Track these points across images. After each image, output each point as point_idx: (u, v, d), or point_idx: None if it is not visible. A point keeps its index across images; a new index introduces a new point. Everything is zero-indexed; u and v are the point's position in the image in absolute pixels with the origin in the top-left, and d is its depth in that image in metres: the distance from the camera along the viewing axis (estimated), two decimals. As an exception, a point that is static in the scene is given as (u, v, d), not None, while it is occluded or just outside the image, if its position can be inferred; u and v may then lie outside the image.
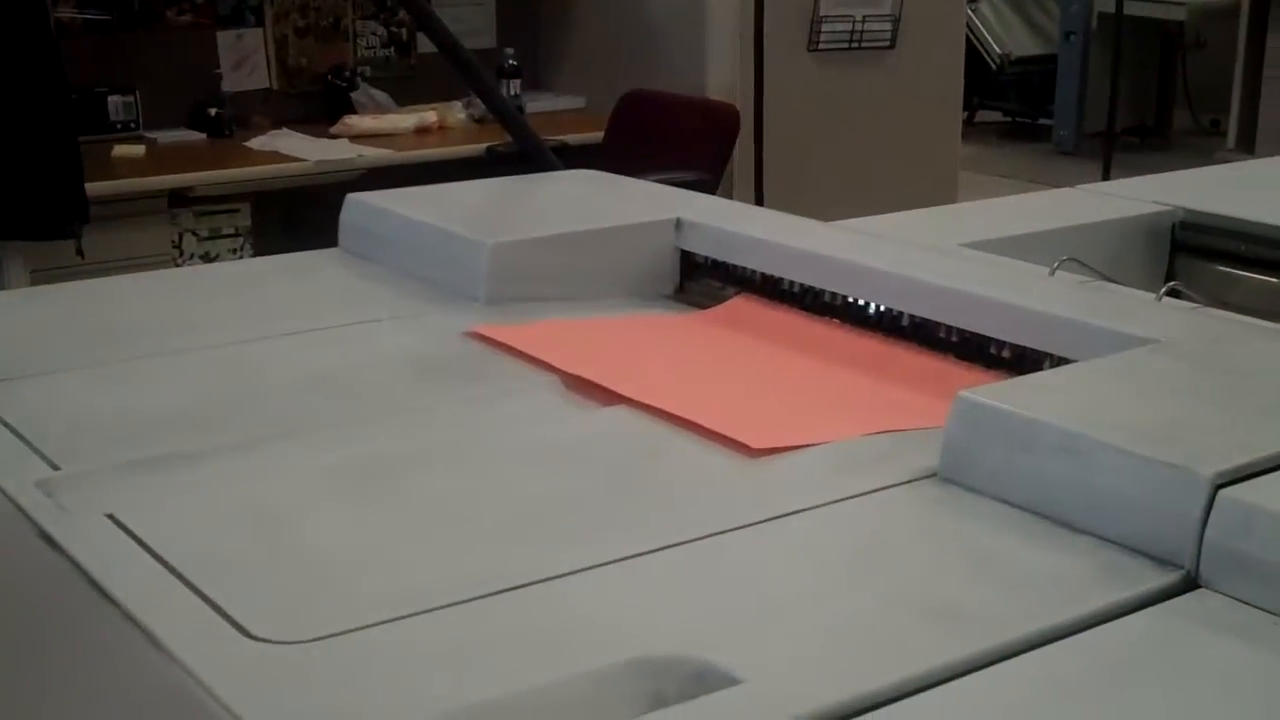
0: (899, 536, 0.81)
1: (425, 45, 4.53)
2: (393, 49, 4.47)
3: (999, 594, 0.75)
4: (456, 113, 4.27)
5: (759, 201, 3.84)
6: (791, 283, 1.20)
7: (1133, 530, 0.78)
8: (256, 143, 4.17)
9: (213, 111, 4.27)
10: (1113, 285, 1.25)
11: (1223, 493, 0.74)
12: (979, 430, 0.85)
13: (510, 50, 4.27)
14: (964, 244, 1.37)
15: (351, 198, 1.39)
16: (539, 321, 1.16)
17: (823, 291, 1.17)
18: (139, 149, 4.11)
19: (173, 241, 3.92)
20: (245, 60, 4.32)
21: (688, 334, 1.17)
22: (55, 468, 0.90)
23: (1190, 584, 0.75)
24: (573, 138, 4.14)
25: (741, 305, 1.23)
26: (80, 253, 3.48)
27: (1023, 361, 1.04)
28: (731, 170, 3.95)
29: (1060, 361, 1.01)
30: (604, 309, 1.22)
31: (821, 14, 3.79)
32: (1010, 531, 0.81)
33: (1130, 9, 5.36)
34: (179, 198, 3.89)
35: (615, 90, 4.15)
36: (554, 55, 4.53)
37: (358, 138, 4.09)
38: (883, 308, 1.13)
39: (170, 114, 4.30)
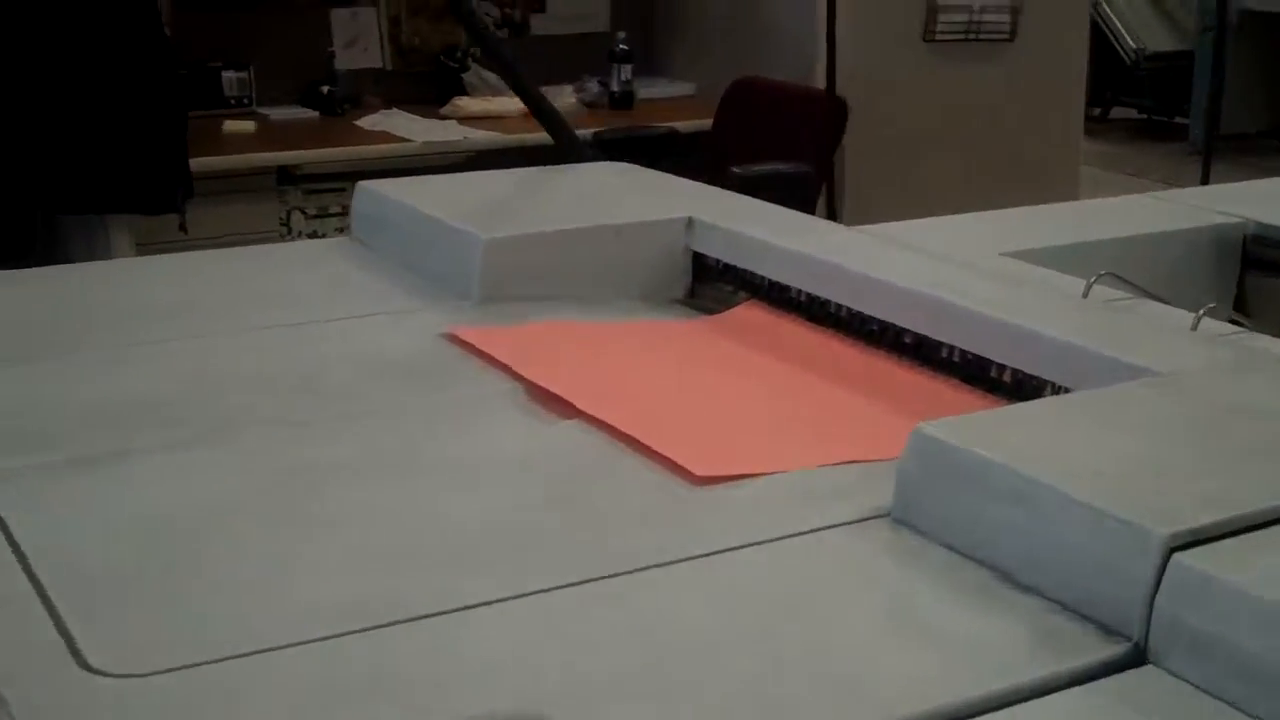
0: (826, 586, 0.74)
1: (540, 28, 4.49)
2: (507, 31, 4.43)
3: (922, 658, 0.67)
4: (566, 97, 4.22)
5: (833, 200, 3.75)
6: (799, 291, 1.12)
7: (1081, 592, 0.70)
8: (366, 122, 4.17)
9: (325, 89, 4.27)
10: (1151, 304, 1.15)
11: (1177, 556, 0.66)
12: (932, 468, 0.77)
13: (622, 34, 4.21)
14: (1007, 253, 1.28)
15: (362, 186, 1.34)
16: (522, 325, 1.10)
17: (828, 302, 1.10)
18: (250, 125, 4.13)
19: (280, 219, 3.93)
20: (359, 39, 4.31)
21: (680, 342, 1.10)
22: (-25, 465, 0.86)
23: (1138, 658, 0.67)
24: (682, 124, 4.07)
25: (747, 313, 1.15)
26: (184, 227, 3.50)
27: (1022, 388, 0.96)
28: (843, 163, 3.86)
29: (1059, 390, 0.93)
30: (606, 312, 1.16)
31: (938, 3, 3.67)
32: (953, 585, 0.73)
33: (1268, 3, 5.15)
34: (287, 175, 3.90)
35: (728, 77, 4.07)
36: (668, 41, 4.46)
37: (466, 119, 4.06)
38: (886, 322, 1.05)
39: (284, 91, 4.31)
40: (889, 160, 3.85)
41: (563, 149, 1.48)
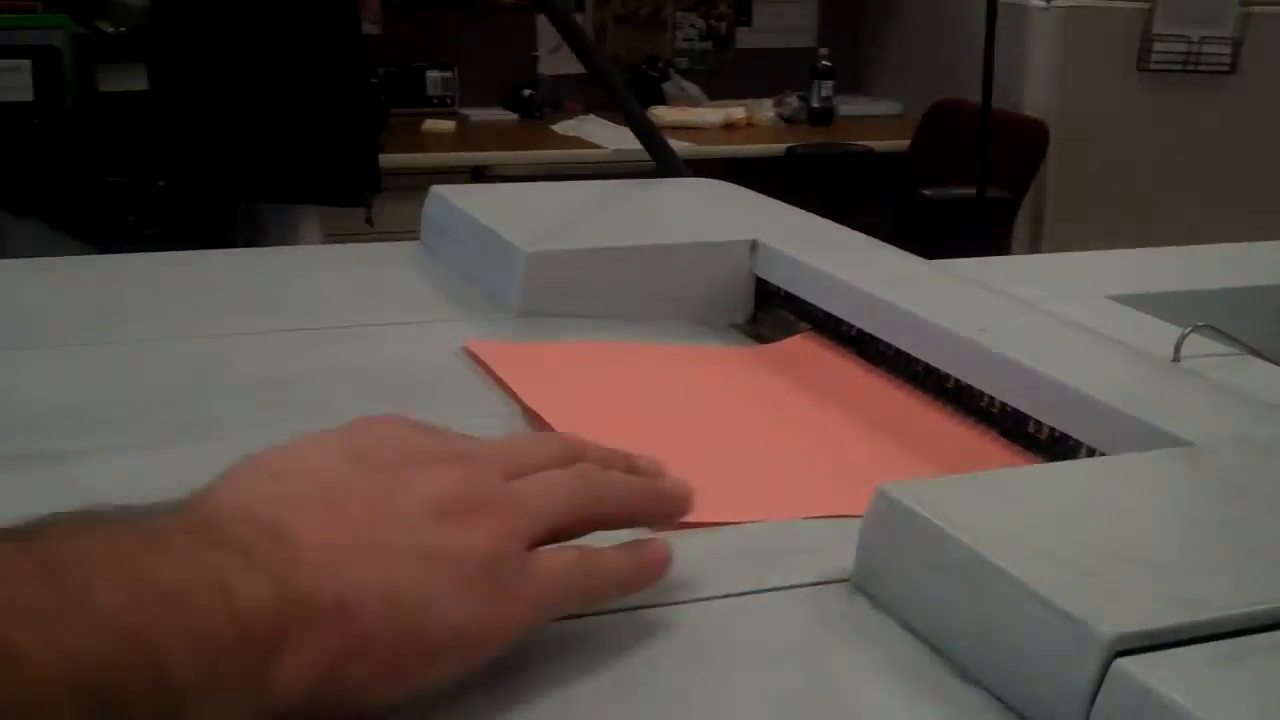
0: (745, 659, 0.65)
1: (744, 41, 4.44)
2: (711, 42, 4.39)
3: (820, 753, 0.59)
4: (765, 110, 4.17)
5: (1038, 225, 3.60)
6: (850, 325, 1.04)
7: (1022, 690, 0.61)
8: (562, 127, 4.18)
9: (527, 93, 4.29)
10: (1252, 363, 1.04)
11: (1120, 662, 0.56)
12: (892, 534, 0.69)
13: (825, 51, 4.14)
14: (1116, 295, 1.18)
15: (435, 190, 1.29)
16: (545, 343, 1.04)
17: (877, 339, 1.01)
18: (449, 125, 4.17)
19: (468, 218, 3.94)
20: (563, 44, 4.31)
21: (714, 370, 1.03)
22: (-78, 454, 0.83)
23: (1070, 773, 0.58)
24: (879, 144, 3.99)
25: (800, 344, 1.07)
26: (370, 220, 3.56)
27: (1057, 447, 0.86)
28: (1044, 189, 3.72)
29: (1093, 453, 0.83)
30: (653, 334, 1.09)
31: (1154, 32, 3.50)
32: (890, 668, 0.65)
33: None
34: (480, 175, 3.93)
35: (931, 98, 3.96)
36: (874, 60, 4.37)
37: (662, 129, 4.02)
38: (929, 364, 0.96)
39: (486, 93, 4.35)
40: (1095, 190, 3.70)
41: (660, 166, 1.42)
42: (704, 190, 1.37)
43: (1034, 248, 3.71)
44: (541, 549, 0.57)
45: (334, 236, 3.50)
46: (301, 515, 0.52)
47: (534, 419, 0.91)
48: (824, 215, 1.26)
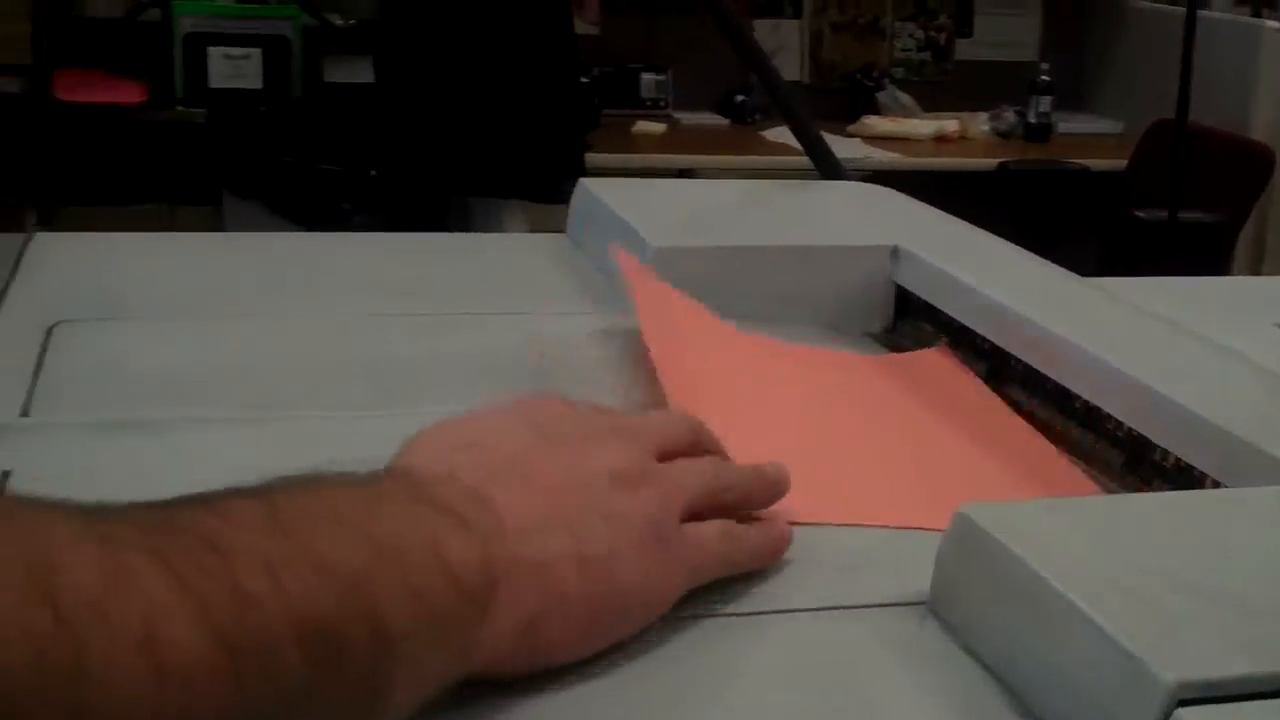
0: (798, 685, 0.61)
1: (964, 52, 4.34)
2: (929, 53, 4.30)
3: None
4: (980, 124, 4.08)
5: (1260, 251, 3.44)
6: (984, 339, 0.99)
7: (1080, 732, 0.56)
8: (771, 133, 4.15)
9: (739, 99, 4.27)
10: None
11: (1181, 712, 0.51)
12: (967, 557, 0.64)
13: (1045, 65, 4.02)
14: (1287, 324, 1.11)
15: (583, 182, 1.28)
16: (688, 300, 0.99)
17: (1009, 355, 0.96)
18: (660, 127, 4.18)
19: (670, 219, 3.94)
20: (779, 50, 4.29)
21: (832, 374, 0.99)
22: (25, 414, 0.84)
23: (1121, 828, 0.53)
24: (1096, 163, 3.87)
25: (932, 357, 1.03)
26: (571, 217, 3.58)
27: (1182, 477, 0.80)
28: (1268, 215, 3.56)
29: (1216, 485, 0.77)
30: (781, 338, 1.05)
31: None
32: (950, 703, 0.60)
33: None
34: (685, 178, 3.93)
35: (1155, 118, 3.82)
36: (1097, 76, 4.23)
37: (872, 139, 3.99)
38: (1057, 383, 0.91)
39: (699, 96, 4.35)
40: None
41: (822, 171, 1.38)
42: (854, 194, 1.33)
43: (1254, 274, 3.55)
44: (691, 523, 0.62)
45: (539, 231, 3.54)
46: (498, 484, 0.56)
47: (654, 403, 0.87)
48: (1034, 232, 1.21)
